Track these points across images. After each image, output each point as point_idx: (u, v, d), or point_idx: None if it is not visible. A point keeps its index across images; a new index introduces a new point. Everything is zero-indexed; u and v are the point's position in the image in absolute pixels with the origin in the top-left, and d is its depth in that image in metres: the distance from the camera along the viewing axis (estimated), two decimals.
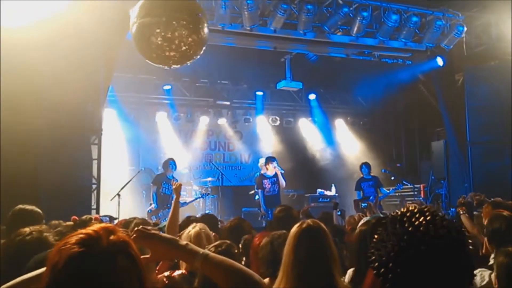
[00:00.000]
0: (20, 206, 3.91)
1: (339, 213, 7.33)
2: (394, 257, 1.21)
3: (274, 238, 3.11)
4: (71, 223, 4.68)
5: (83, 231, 1.38)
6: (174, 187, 4.88)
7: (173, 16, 5.11)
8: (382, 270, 1.22)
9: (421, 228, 1.22)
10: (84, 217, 4.87)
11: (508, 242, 2.93)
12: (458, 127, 10.90)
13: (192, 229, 3.60)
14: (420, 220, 1.24)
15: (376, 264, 1.24)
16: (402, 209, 1.31)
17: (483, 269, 3.13)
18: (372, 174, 10.73)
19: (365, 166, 10.78)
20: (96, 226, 1.42)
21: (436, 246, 1.20)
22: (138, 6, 5.36)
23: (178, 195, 4.79)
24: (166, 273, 3.47)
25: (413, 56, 11.42)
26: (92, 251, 1.32)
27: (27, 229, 2.71)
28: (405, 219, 1.26)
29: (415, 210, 1.28)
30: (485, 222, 3.72)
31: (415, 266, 1.19)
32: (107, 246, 1.33)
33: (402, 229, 1.24)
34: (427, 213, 1.26)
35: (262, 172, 10.14)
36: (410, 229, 1.23)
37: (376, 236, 1.29)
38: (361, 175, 10.76)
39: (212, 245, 2.99)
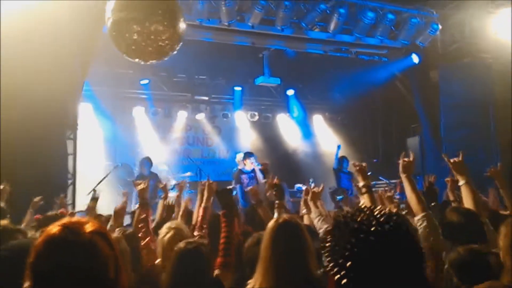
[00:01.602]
0: None
1: (340, 198, 7.43)
2: (350, 256, 1.27)
3: (260, 239, 3.13)
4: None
5: (66, 219, 1.49)
6: (136, 188, 4.75)
7: (149, 11, 5.09)
8: (343, 272, 1.27)
9: (365, 223, 1.30)
10: (49, 213, 4.80)
11: (463, 237, 2.96)
12: (432, 123, 11.09)
13: (167, 234, 3.55)
14: (361, 216, 1.32)
15: (336, 269, 1.29)
16: (341, 213, 1.39)
17: None
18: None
19: (346, 160, 11.08)
20: (76, 217, 1.54)
21: (383, 233, 1.28)
22: (114, 0, 5.31)
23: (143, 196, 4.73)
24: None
25: (389, 53, 11.56)
26: (71, 232, 1.41)
27: None
28: (348, 220, 1.33)
29: (354, 211, 1.36)
30: None
31: (371, 256, 1.26)
32: (87, 230, 1.42)
33: (348, 229, 1.31)
34: (365, 209, 1.35)
35: (240, 167, 10.19)
36: (355, 226, 1.30)
37: (327, 245, 1.35)
38: (339, 167, 11.02)
39: (183, 241, 3.02)
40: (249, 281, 2.88)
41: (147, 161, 10.46)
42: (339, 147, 11.43)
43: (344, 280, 1.27)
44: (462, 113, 10.52)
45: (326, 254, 1.34)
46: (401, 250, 1.28)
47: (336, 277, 1.29)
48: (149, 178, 9.80)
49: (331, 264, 1.31)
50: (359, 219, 1.31)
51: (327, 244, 1.35)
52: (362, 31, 10.25)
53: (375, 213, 1.31)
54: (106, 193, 10.22)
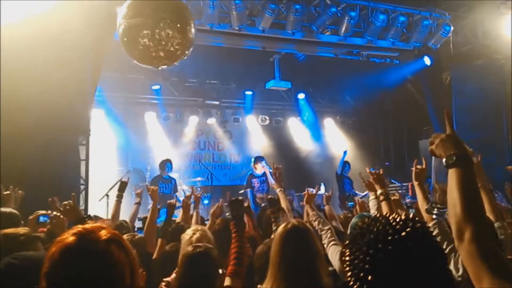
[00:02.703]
0: None
1: (351, 204, 7.45)
2: (370, 269, 1.23)
3: (270, 247, 3.13)
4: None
5: (79, 226, 1.47)
6: (149, 192, 4.92)
7: (160, 17, 5.11)
8: (365, 286, 1.24)
9: (381, 232, 1.26)
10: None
11: None
12: (445, 126, 10.93)
13: (194, 235, 3.60)
14: (377, 225, 1.28)
15: (358, 283, 1.25)
16: (357, 224, 1.34)
17: None
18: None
19: (348, 164, 11.26)
20: (90, 224, 1.53)
21: (401, 241, 1.24)
22: (125, 6, 5.35)
23: (155, 200, 4.84)
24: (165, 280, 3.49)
25: (400, 56, 11.49)
26: (86, 241, 1.40)
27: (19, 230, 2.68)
28: (364, 231, 1.29)
29: (369, 221, 1.31)
30: None
31: (392, 266, 1.22)
32: (101, 238, 1.41)
33: (364, 241, 1.27)
34: (380, 218, 1.30)
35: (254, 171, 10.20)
36: (371, 237, 1.26)
37: (347, 258, 1.31)
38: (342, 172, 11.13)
39: (191, 245, 3.01)
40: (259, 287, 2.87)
41: (170, 164, 10.49)
42: (345, 153, 11.42)
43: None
44: (475, 115, 10.41)
45: (347, 269, 1.30)
46: (422, 254, 1.24)
47: None
48: (166, 181, 10.03)
49: (352, 279, 1.27)
50: (375, 229, 1.27)
51: (346, 258, 1.31)
52: (373, 34, 10.21)
53: (391, 221, 1.28)
54: None
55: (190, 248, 2.94)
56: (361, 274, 1.24)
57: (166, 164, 10.40)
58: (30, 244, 2.51)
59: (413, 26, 10.37)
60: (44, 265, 1.39)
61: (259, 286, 3.05)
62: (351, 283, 1.27)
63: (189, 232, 3.68)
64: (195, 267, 2.84)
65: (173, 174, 12.43)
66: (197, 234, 3.59)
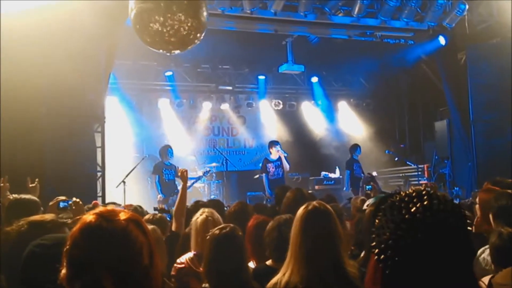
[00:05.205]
0: (16, 196, 3.86)
1: (369, 187, 7.48)
2: (392, 245, 1.21)
3: (281, 223, 3.13)
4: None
5: (100, 207, 1.55)
6: (179, 174, 4.98)
7: (171, 1, 5.09)
8: (382, 256, 1.23)
9: (418, 215, 1.21)
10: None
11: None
12: (461, 106, 10.84)
13: (200, 216, 3.63)
14: (417, 206, 1.23)
15: (377, 250, 1.24)
16: (401, 193, 1.30)
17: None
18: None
19: (360, 148, 11.20)
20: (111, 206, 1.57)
21: (434, 233, 1.20)
22: None
23: (185, 181, 4.86)
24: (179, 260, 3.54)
25: (415, 36, 11.31)
26: (106, 220, 1.44)
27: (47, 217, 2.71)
28: (402, 204, 1.25)
29: (413, 194, 1.26)
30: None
31: (413, 253, 1.19)
32: (120, 217, 1.46)
33: (399, 216, 1.23)
34: (424, 197, 1.24)
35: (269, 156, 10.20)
36: (407, 216, 1.22)
37: (377, 221, 1.29)
38: (351, 156, 11.17)
39: (217, 227, 3.02)
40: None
41: (171, 150, 10.29)
42: (358, 151, 11.26)
43: (381, 264, 1.22)
44: (491, 95, 10.24)
45: (374, 230, 1.28)
46: (448, 256, 1.20)
47: (375, 257, 1.24)
48: (168, 167, 9.95)
49: (374, 243, 1.26)
50: (413, 208, 1.22)
51: (376, 221, 1.28)
52: (387, 14, 10.05)
53: (433, 206, 1.22)
54: (134, 184, 10.41)
55: (216, 231, 2.94)
56: (383, 245, 1.23)
57: (168, 150, 10.21)
58: (58, 230, 2.54)
59: (427, 5, 10.18)
60: (65, 244, 1.44)
61: (267, 262, 3.08)
62: (373, 247, 1.26)
63: (196, 214, 3.73)
64: (225, 249, 2.84)
65: (189, 157, 12.51)
66: (203, 216, 3.63)
